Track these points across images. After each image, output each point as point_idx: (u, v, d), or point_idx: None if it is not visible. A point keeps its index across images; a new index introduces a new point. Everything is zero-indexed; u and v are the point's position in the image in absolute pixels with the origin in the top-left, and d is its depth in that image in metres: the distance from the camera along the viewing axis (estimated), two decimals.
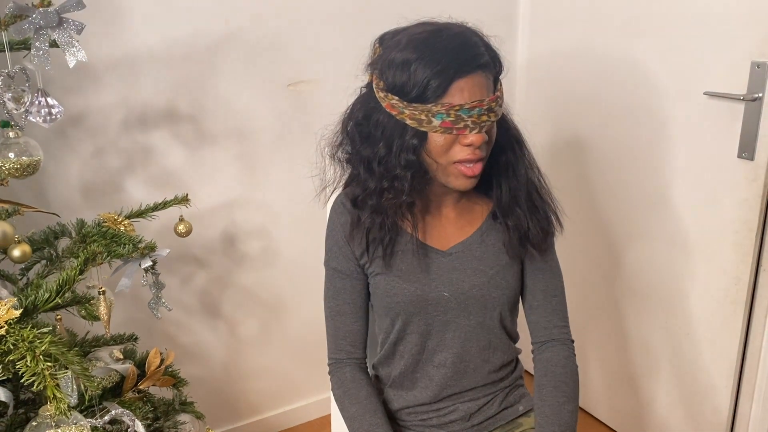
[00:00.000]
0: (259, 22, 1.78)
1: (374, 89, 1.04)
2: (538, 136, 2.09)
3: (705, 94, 1.60)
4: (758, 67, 1.49)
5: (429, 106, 0.97)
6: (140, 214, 1.43)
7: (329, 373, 1.19)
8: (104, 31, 1.61)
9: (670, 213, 1.77)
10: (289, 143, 1.91)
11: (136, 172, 1.75)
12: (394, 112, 1.01)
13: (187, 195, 1.48)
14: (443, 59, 0.96)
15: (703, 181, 1.68)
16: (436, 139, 1.00)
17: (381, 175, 1.05)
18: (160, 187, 1.76)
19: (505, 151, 1.11)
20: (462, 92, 0.97)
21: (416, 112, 0.98)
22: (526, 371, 1.34)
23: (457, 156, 1.01)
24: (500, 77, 1.05)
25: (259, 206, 1.93)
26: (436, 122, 0.98)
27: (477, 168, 1.03)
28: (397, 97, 1.00)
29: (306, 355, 2.09)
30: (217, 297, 1.95)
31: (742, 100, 1.53)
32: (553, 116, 2.10)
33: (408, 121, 1.00)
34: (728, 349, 1.71)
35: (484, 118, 0.99)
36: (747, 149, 1.56)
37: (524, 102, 2.21)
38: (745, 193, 1.59)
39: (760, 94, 1.50)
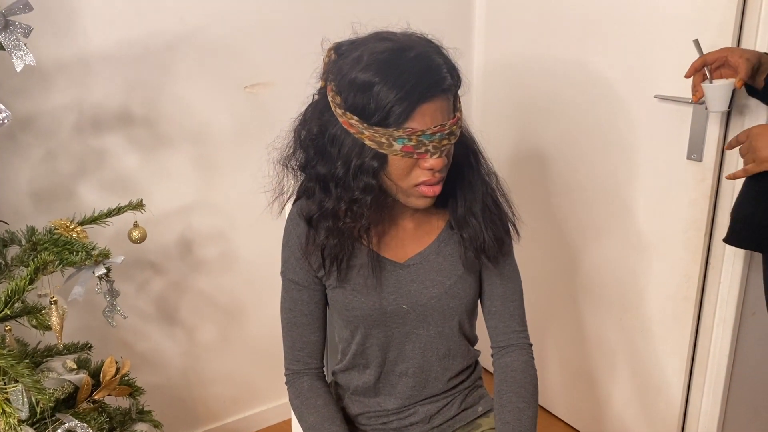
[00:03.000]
0: (215, 23, 1.76)
1: (330, 102, 1.01)
2: (494, 141, 2.13)
3: (655, 97, 1.65)
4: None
5: (390, 130, 0.95)
6: (93, 220, 1.40)
7: (286, 383, 1.18)
8: (54, 32, 1.57)
9: (624, 213, 1.82)
10: (247, 145, 1.89)
11: (89, 176, 1.70)
12: (352, 131, 0.98)
13: (141, 200, 1.45)
14: (407, 84, 0.93)
15: (655, 182, 1.72)
16: (397, 163, 0.99)
17: (338, 196, 1.03)
18: (115, 191, 1.73)
19: (461, 164, 1.10)
20: (424, 117, 0.95)
21: (377, 135, 0.96)
22: (485, 369, 1.35)
23: (417, 179, 1.01)
24: (459, 93, 1.03)
25: (216, 210, 1.90)
26: (397, 146, 0.96)
27: (437, 188, 1.02)
28: (356, 118, 0.97)
29: (266, 359, 2.07)
30: (175, 303, 1.92)
31: (690, 103, 1.58)
32: (509, 121, 2.13)
33: (367, 142, 0.97)
34: (680, 344, 1.76)
35: (445, 142, 0.98)
36: (695, 151, 1.60)
37: (480, 107, 2.23)
38: (694, 193, 1.63)
39: None
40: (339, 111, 0.99)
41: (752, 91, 1.38)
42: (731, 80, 1.33)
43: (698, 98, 1.40)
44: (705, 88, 1.36)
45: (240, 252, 1.97)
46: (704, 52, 1.37)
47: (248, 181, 1.90)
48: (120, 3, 1.63)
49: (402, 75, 0.93)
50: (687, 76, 1.38)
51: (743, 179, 1.37)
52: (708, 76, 1.36)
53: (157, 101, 1.74)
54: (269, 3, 1.82)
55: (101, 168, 1.71)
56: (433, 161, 0.98)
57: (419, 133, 0.95)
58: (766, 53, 1.35)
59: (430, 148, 0.97)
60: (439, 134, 0.97)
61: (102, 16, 1.62)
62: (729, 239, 1.42)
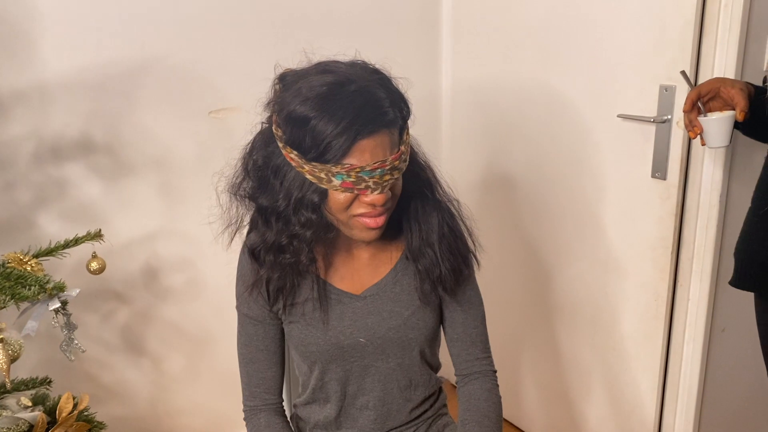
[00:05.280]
0: (177, 49, 1.74)
1: (274, 134, 0.99)
2: (463, 163, 2.13)
3: (618, 116, 1.65)
4: (666, 91, 1.55)
5: (329, 166, 0.93)
6: (50, 252, 1.36)
7: (244, 419, 1.16)
8: (10, 60, 1.54)
9: (592, 232, 1.81)
10: (212, 171, 1.86)
11: (49, 206, 1.67)
12: (293, 164, 0.96)
13: (100, 230, 1.42)
14: (343, 120, 0.90)
15: (621, 201, 1.72)
16: (337, 196, 0.96)
17: (279, 230, 1.00)
18: (77, 221, 1.69)
19: (413, 196, 1.08)
20: (363, 153, 0.92)
21: (316, 170, 0.94)
22: (452, 384, 1.32)
23: (357, 211, 0.98)
24: (407, 123, 1.01)
25: (181, 237, 1.87)
26: (336, 182, 0.94)
27: (381, 219, 0.99)
28: (296, 152, 0.95)
29: (235, 389, 2.00)
30: (141, 333, 1.88)
31: (653, 122, 1.58)
32: (477, 144, 2.13)
33: (308, 176, 0.95)
34: (651, 363, 1.75)
35: (387, 177, 0.96)
36: (660, 169, 1.61)
37: (449, 131, 2.22)
38: (659, 211, 1.64)
39: (669, 116, 1.56)
40: (281, 144, 0.97)
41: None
42: (731, 112, 1.26)
43: (697, 133, 1.30)
44: (704, 122, 1.28)
45: (207, 280, 1.94)
46: (693, 83, 1.30)
47: (206, 205, 1.88)
48: (79, 30, 1.61)
49: (339, 110, 0.90)
50: (686, 110, 1.31)
51: (747, 222, 1.34)
52: (702, 109, 1.29)
53: (119, 129, 1.72)
54: (231, 28, 1.81)
55: (62, 198, 1.68)
56: (374, 197, 0.96)
57: (358, 170, 0.93)
58: (748, 83, 1.30)
59: (370, 184, 0.94)
60: (379, 170, 0.94)
61: (61, 44, 1.59)
62: (735, 282, 1.38)
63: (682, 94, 1.52)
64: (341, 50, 1.09)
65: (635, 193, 1.68)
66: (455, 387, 1.35)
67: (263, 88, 1.19)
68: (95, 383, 1.82)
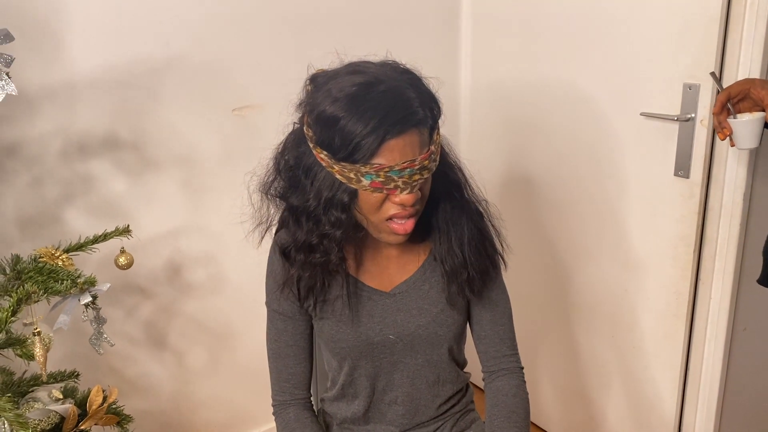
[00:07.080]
0: (201, 46, 1.76)
1: (305, 134, 1.00)
2: (483, 162, 2.14)
3: (642, 114, 1.65)
4: (690, 89, 1.55)
5: (358, 166, 0.93)
6: (79, 247, 1.38)
7: (273, 414, 1.17)
8: (39, 58, 1.56)
9: (613, 231, 1.82)
10: (235, 168, 1.87)
11: (76, 202, 1.69)
12: (323, 164, 0.97)
13: (128, 226, 1.44)
14: (372, 120, 0.90)
15: (643, 199, 1.72)
16: (367, 197, 0.97)
17: (310, 230, 1.01)
18: (102, 216, 1.71)
19: (442, 198, 1.08)
20: (392, 153, 0.93)
21: (345, 170, 0.95)
22: (478, 387, 1.34)
23: (388, 213, 0.99)
24: (438, 122, 1.01)
25: (205, 233, 1.89)
26: (365, 182, 0.94)
27: (409, 225, 1.00)
28: (326, 152, 0.95)
29: (256, 383, 2.04)
30: (164, 327, 1.90)
31: (676, 120, 1.58)
32: (498, 142, 2.13)
33: (338, 176, 0.96)
34: (672, 360, 1.75)
35: (416, 177, 0.96)
36: (683, 167, 1.61)
37: (468, 130, 2.23)
38: (682, 209, 1.64)
39: (693, 115, 1.56)
40: (311, 144, 0.98)
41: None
42: (761, 114, 1.26)
43: (726, 135, 1.30)
44: (733, 124, 1.28)
45: (229, 275, 1.96)
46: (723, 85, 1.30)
47: (237, 204, 1.89)
48: (105, 29, 1.63)
49: (368, 110, 0.91)
50: (716, 113, 1.30)
51: None
52: (731, 110, 1.29)
53: (144, 125, 1.73)
54: (255, 26, 1.82)
55: (88, 193, 1.70)
56: (403, 197, 0.96)
57: (387, 169, 0.93)
58: None
59: (399, 183, 0.95)
60: (408, 170, 0.94)
61: (87, 42, 1.61)
62: (764, 281, 1.39)
63: (706, 92, 1.52)
64: (361, 48, 1.09)
65: (657, 191, 1.68)
66: (476, 386, 1.36)
67: (288, 86, 1.19)
68: (119, 377, 1.84)
